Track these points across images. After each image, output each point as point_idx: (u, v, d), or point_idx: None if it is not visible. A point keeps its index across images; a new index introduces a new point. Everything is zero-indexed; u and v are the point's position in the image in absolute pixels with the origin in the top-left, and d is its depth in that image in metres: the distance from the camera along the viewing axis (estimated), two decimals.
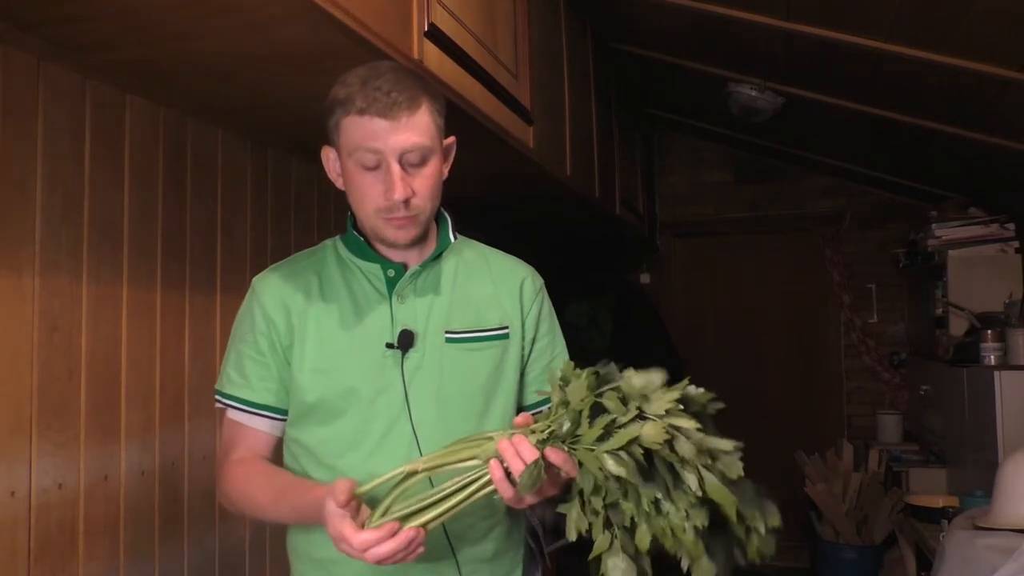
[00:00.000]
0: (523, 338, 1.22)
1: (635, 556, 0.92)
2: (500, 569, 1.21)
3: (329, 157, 1.15)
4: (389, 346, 1.13)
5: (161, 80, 1.41)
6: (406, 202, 1.07)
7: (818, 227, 4.38)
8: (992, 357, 2.84)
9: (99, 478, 1.34)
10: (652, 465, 0.91)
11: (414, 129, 1.06)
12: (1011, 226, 3.26)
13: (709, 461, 0.91)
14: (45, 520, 1.23)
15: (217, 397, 1.20)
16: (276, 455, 1.21)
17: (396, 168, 1.06)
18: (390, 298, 1.15)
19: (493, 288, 1.22)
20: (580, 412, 0.93)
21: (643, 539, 0.89)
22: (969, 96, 2.51)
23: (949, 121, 2.80)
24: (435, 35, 1.44)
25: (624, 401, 0.92)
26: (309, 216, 1.99)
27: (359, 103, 1.05)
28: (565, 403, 0.94)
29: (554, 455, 0.92)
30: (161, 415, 1.49)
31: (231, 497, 1.16)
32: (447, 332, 1.16)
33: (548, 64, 2.31)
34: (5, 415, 1.17)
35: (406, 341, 1.13)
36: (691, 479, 0.90)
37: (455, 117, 1.58)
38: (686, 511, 0.89)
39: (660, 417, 0.90)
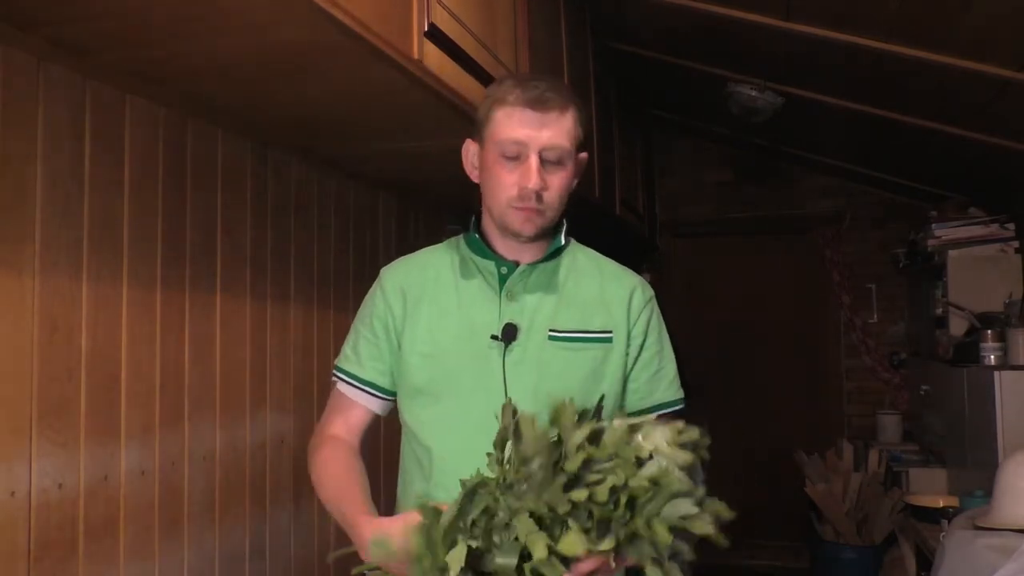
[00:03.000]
0: (627, 345, 1.26)
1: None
2: None
3: (469, 150, 1.25)
4: (493, 338, 1.19)
5: (161, 80, 1.41)
6: (538, 196, 1.16)
7: (818, 227, 4.38)
8: (992, 357, 2.84)
9: (99, 478, 1.34)
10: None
11: (559, 130, 1.16)
12: (1011, 226, 3.26)
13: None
14: (45, 520, 1.23)
15: (333, 371, 1.32)
16: (370, 434, 1.31)
17: (535, 160, 1.15)
18: (500, 293, 1.21)
19: (602, 293, 1.26)
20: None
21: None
22: (969, 96, 2.50)
23: (949, 121, 2.80)
24: (435, 35, 1.44)
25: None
26: (309, 216, 1.99)
27: (514, 96, 1.16)
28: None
29: None
30: (161, 415, 1.49)
31: (311, 472, 1.25)
32: (551, 330, 1.21)
33: (548, 64, 2.30)
34: (5, 415, 1.17)
35: (509, 334, 1.19)
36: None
37: (455, 117, 1.59)
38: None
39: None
